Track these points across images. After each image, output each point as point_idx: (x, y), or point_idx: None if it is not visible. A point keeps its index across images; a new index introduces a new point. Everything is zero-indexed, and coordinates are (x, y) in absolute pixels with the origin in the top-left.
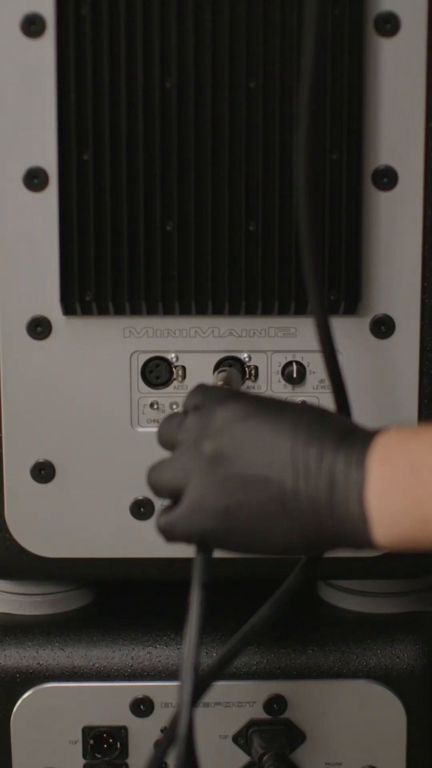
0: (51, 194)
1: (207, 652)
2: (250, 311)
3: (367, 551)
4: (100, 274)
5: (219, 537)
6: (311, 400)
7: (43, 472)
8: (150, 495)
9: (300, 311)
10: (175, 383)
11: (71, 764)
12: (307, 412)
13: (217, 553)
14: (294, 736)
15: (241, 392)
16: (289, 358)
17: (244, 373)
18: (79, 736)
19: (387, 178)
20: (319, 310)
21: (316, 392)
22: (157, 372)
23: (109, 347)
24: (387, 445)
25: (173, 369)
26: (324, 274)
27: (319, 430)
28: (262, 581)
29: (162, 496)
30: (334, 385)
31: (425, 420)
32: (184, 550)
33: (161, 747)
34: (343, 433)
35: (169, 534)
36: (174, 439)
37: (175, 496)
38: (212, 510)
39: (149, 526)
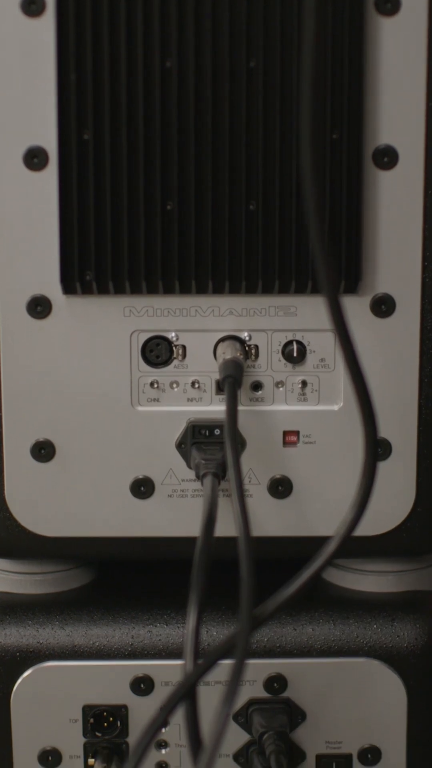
0: (51, 174)
1: (207, 631)
2: (251, 290)
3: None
4: (100, 253)
5: None
6: (311, 379)
7: (43, 451)
8: (150, 473)
9: (300, 290)
10: (175, 362)
11: (71, 743)
12: None
13: (220, 532)
14: (294, 714)
15: None
16: (290, 337)
17: (244, 351)
18: (79, 715)
19: (387, 158)
20: (330, 293)
21: (317, 371)
22: (158, 351)
23: (109, 326)
24: None
25: (173, 348)
26: (332, 256)
27: None
28: (266, 561)
29: None
30: (350, 368)
31: (425, 399)
32: (184, 530)
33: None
34: None
35: None
36: None
37: None
38: None
39: (149, 505)
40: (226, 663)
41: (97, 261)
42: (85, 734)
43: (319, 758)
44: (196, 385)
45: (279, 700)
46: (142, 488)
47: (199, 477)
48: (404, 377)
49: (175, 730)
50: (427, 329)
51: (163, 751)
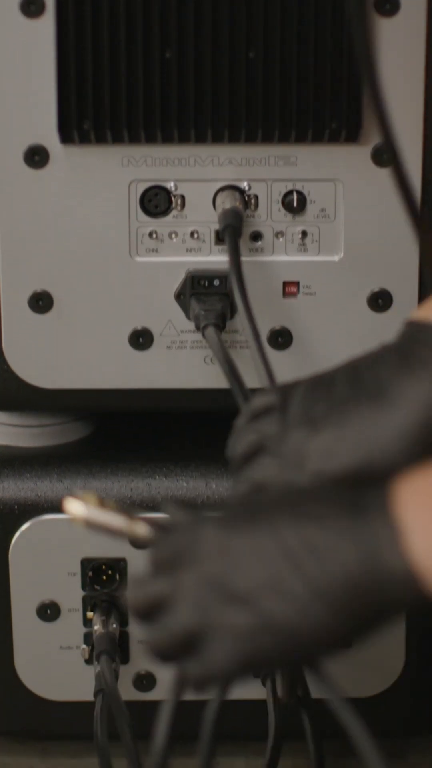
0: (48, 21)
1: (207, 483)
2: (250, 139)
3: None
4: (98, 102)
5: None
6: (311, 229)
7: (41, 302)
8: (148, 324)
9: (301, 139)
10: (174, 212)
11: (70, 596)
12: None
13: (219, 383)
14: None
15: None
16: (290, 187)
17: (244, 201)
18: (78, 568)
19: (389, 5)
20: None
21: (317, 221)
22: (156, 201)
23: (108, 176)
24: (416, 492)
25: (172, 198)
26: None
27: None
28: None
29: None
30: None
31: (423, 257)
32: (183, 381)
33: None
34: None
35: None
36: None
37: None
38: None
39: (148, 356)
40: None
41: (95, 110)
42: (83, 587)
43: None
44: (195, 236)
45: None
46: (141, 339)
47: (199, 328)
48: (403, 232)
49: None
50: (428, 179)
51: None
